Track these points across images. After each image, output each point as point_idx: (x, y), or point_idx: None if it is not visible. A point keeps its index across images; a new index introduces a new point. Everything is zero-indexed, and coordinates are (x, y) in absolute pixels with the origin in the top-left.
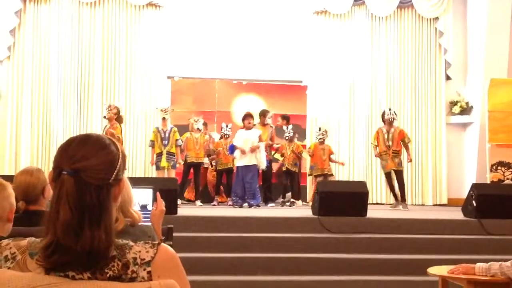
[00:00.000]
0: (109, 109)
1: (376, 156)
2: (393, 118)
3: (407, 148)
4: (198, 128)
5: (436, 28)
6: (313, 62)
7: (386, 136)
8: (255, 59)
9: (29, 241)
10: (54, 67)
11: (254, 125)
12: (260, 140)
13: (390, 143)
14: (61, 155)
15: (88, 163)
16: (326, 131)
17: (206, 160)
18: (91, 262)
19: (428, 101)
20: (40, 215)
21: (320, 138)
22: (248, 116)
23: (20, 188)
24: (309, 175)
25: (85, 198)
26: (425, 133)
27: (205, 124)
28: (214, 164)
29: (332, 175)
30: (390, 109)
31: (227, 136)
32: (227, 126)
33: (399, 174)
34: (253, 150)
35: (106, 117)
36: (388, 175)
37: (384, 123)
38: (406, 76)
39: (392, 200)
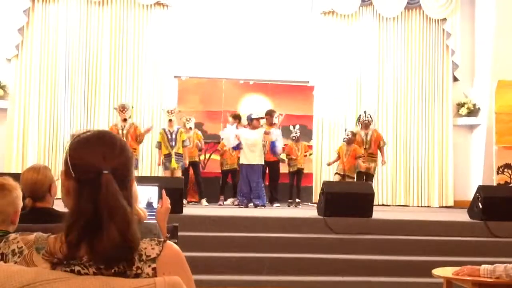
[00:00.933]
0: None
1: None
2: (368, 121)
3: (382, 152)
4: (190, 127)
5: (443, 29)
6: (320, 63)
7: (364, 139)
8: (262, 59)
9: (36, 236)
10: (61, 65)
11: (262, 125)
12: (265, 135)
13: (367, 146)
14: (91, 154)
15: (120, 161)
16: (353, 132)
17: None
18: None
19: (435, 103)
20: (46, 212)
21: (346, 139)
22: (260, 118)
23: (27, 185)
24: (335, 174)
25: (117, 195)
26: (431, 134)
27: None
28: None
29: (353, 178)
30: (365, 112)
31: None
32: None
33: (370, 178)
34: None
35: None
36: (360, 175)
37: (360, 126)
38: (413, 77)
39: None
